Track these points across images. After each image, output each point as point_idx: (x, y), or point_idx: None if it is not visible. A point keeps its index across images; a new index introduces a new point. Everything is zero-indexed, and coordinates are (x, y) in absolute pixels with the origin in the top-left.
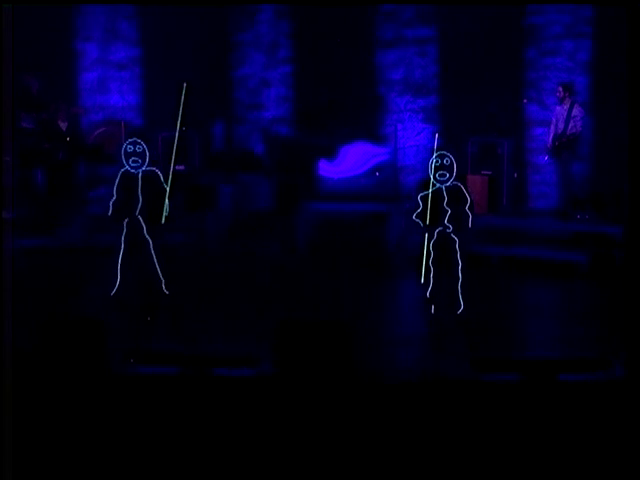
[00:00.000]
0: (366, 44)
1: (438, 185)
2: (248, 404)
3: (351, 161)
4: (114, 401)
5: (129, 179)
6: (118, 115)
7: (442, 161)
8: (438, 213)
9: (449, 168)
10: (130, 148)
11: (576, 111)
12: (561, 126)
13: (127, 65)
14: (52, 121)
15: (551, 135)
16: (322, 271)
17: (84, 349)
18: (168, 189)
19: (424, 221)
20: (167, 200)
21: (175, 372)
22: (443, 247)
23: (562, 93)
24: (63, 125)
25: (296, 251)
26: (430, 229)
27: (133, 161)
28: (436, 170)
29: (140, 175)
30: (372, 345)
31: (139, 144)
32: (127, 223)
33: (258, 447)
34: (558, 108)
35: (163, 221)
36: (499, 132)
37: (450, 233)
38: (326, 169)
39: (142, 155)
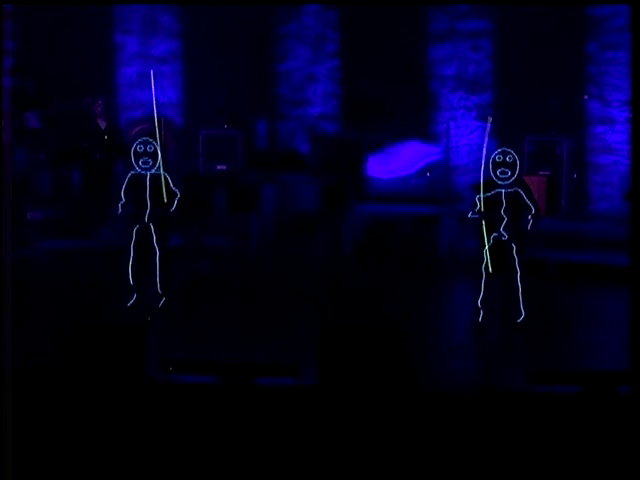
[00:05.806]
0: (417, 37)
1: (499, 183)
2: (289, 415)
3: (401, 161)
4: (152, 410)
5: (138, 182)
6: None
7: (505, 158)
8: (494, 219)
9: (512, 166)
10: (141, 148)
11: None
12: None
13: (167, 59)
14: (82, 117)
15: None
16: (370, 277)
17: (122, 357)
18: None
19: (481, 218)
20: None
21: (215, 381)
22: (499, 253)
23: None
24: (102, 123)
25: (343, 255)
26: (486, 232)
27: (143, 162)
28: (497, 167)
29: (148, 179)
30: (423, 354)
31: (150, 144)
32: (137, 231)
33: (299, 459)
34: None
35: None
36: (558, 130)
37: (507, 240)
38: (375, 169)
39: (153, 156)
